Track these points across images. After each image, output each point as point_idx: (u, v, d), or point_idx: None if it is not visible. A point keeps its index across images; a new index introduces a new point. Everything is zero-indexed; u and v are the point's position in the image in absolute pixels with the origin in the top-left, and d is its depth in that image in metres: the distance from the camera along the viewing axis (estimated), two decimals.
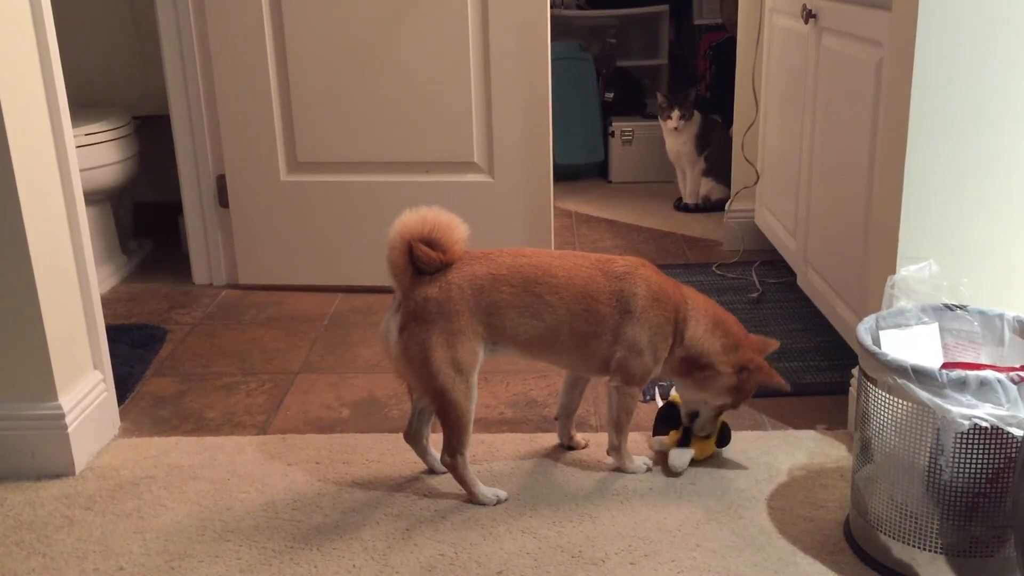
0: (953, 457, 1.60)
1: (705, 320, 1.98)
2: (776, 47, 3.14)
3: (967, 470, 1.60)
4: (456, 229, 1.89)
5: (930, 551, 1.66)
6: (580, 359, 2.00)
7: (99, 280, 2.49)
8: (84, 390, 2.17)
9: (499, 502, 1.96)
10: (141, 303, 3.18)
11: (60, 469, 2.09)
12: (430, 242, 1.87)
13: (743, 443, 2.15)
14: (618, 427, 2.04)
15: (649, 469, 2.07)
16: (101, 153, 3.19)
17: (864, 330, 1.77)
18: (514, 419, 2.33)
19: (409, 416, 2.05)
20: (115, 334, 2.66)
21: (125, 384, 2.49)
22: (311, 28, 3.02)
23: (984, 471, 1.60)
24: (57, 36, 2.08)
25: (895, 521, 1.69)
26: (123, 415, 2.37)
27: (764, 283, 3.18)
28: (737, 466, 2.08)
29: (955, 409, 1.54)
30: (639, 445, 2.17)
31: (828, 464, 2.08)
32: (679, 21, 5.19)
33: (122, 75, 3.65)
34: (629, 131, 4.61)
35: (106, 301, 3.07)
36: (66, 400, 2.09)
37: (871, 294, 2.08)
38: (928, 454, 1.63)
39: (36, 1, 2.01)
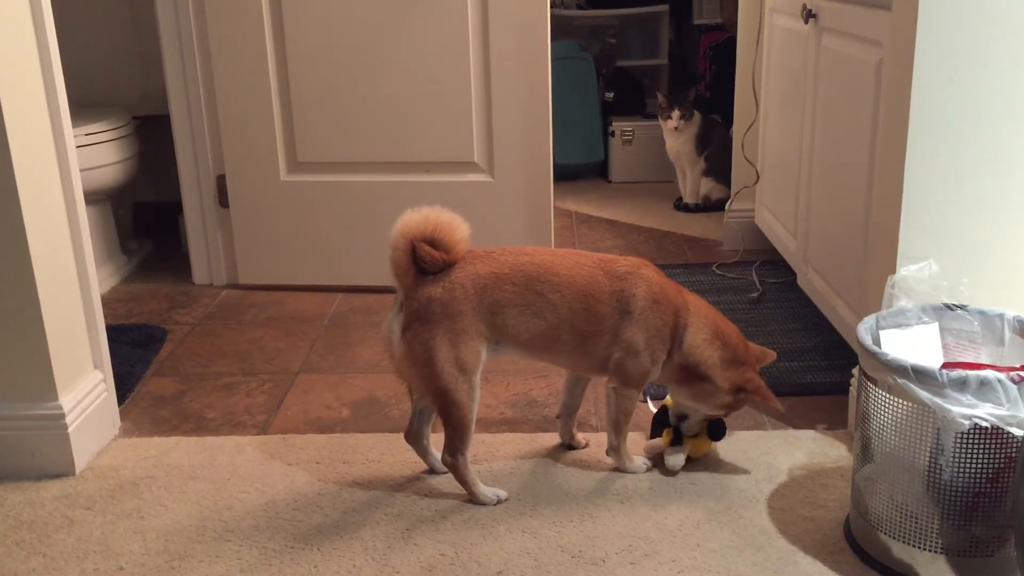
0: (953, 457, 1.60)
1: (705, 329, 1.97)
2: (776, 47, 3.14)
3: (967, 470, 1.60)
4: (458, 228, 1.89)
5: (930, 551, 1.66)
6: (580, 359, 2.00)
7: (99, 280, 2.49)
8: (84, 390, 2.17)
9: (499, 502, 1.96)
10: (141, 303, 3.18)
11: (60, 469, 2.09)
12: (433, 242, 1.87)
13: (743, 443, 2.15)
14: (617, 428, 2.04)
15: (649, 469, 2.07)
16: (101, 153, 3.19)
17: (864, 330, 1.77)
18: (514, 419, 2.33)
19: (410, 416, 2.05)
20: (115, 334, 2.66)
21: (125, 384, 2.49)
22: (311, 28, 3.02)
23: (984, 471, 1.60)
24: (57, 36, 2.08)
25: (895, 521, 1.69)
26: (123, 415, 2.37)
27: (764, 283, 3.18)
28: (737, 466, 2.08)
29: (955, 409, 1.54)
30: (638, 446, 2.16)
31: (828, 464, 2.08)
32: (679, 21, 5.19)
33: (122, 75, 3.65)
34: (629, 131, 4.61)
35: (106, 301, 3.07)
36: (66, 400, 2.09)
37: (871, 294, 2.08)
38: (928, 454, 1.63)
39: (36, 1, 2.01)
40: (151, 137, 3.49)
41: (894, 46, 1.95)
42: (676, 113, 4.06)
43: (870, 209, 2.22)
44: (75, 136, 2.22)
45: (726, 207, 3.58)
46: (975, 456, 1.59)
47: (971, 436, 1.58)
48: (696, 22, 4.99)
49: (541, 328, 1.93)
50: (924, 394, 1.57)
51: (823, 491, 1.98)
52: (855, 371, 2.09)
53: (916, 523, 1.67)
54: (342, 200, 3.16)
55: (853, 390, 2.18)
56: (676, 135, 4.12)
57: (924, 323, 1.82)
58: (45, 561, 1.81)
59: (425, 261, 1.87)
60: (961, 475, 1.61)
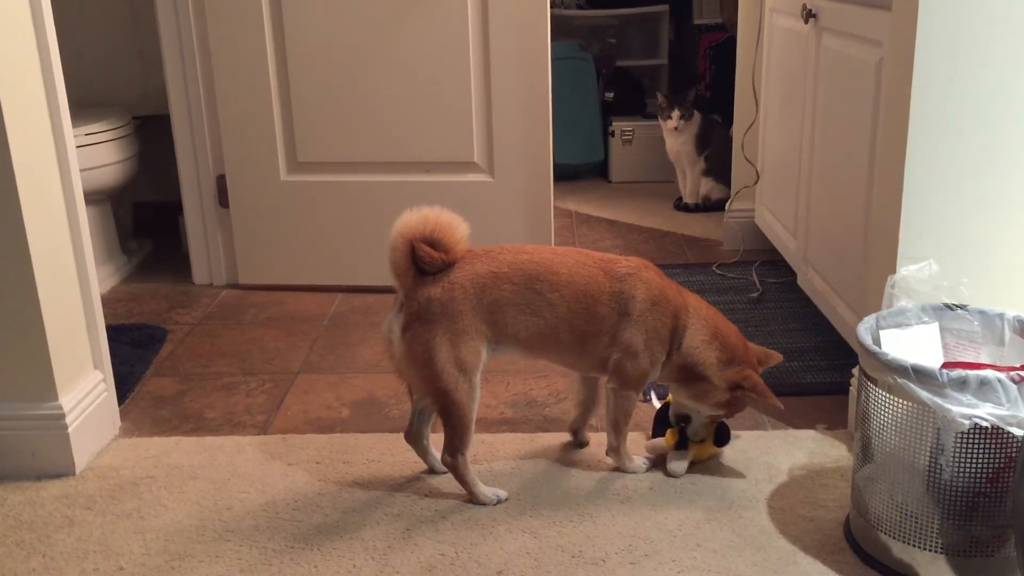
0: (953, 457, 1.60)
1: (705, 330, 1.97)
2: (776, 47, 3.14)
3: (967, 470, 1.60)
4: (458, 228, 1.89)
5: (930, 551, 1.66)
6: (579, 358, 2.00)
7: (99, 280, 2.49)
8: (84, 390, 2.17)
9: (499, 502, 1.96)
10: (141, 303, 3.18)
11: (60, 469, 2.09)
12: (432, 242, 1.87)
13: (743, 443, 2.15)
14: (616, 428, 2.04)
15: (649, 469, 2.07)
16: (101, 153, 3.19)
17: (864, 330, 1.77)
18: (514, 419, 2.33)
19: (410, 416, 2.05)
20: (115, 334, 2.66)
21: (125, 384, 2.49)
22: (311, 28, 3.02)
23: (984, 471, 1.60)
24: (57, 36, 2.07)
25: (895, 521, 1.69)
26: (123, 415, 2.37)
27: (764, 283, 3.18)
28: (737, 466, 2.08)
29: (955, 409, 1.54)
30: (639, 445, 2.16)
31: (828, 464, 2.08)
32: (679, 21, 5.18)
33: (122, 75, 3.65)
34: (629, 131, 4.61)
35: (106, 301, 3.07)
36: (66, 400, 2.09)
37: (871, 294, 2.08)
38: (928, 454, 1.63)
39: (36, 1, 2.01)
40: (151, 137, 3.49)
41: (894, 46, 1.95)
42: (676, 113, 4.06)
43: (870, 209, 2.22)
44: (75, 136, 2.22)
45: (726, 207, 3.58)
46: (975, 456, 1.59)
47: (971, 436, 1.58)
48: (696, 22, 4.99)
49: (540, 327, 1.93)
50: (924, 394, 1.57)
51: (823, 491, 1.98)
52: (855, 371, 2.09)
53: (916, 523, 1.67)
54: (342, 200, 3.16)
55: (853, 390, 2.18)
56: (676, 135, 4.12)
57: (924, 323, 1.82)
58: (45, 561, 1.81)
59: (424, 261, 1.87)
60: (961, 475, 1.61)
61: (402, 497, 1.99)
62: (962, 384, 1.55)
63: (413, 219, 1.87)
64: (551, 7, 3.02)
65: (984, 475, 1.60)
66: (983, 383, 1.54)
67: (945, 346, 1.82)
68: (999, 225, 1.93)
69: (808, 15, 2.66)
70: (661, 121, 4.16)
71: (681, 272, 3.30)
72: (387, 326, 1.93)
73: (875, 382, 1.69)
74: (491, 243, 1.98)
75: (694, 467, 2.07)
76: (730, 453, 2.12)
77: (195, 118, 3.15)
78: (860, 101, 2.30)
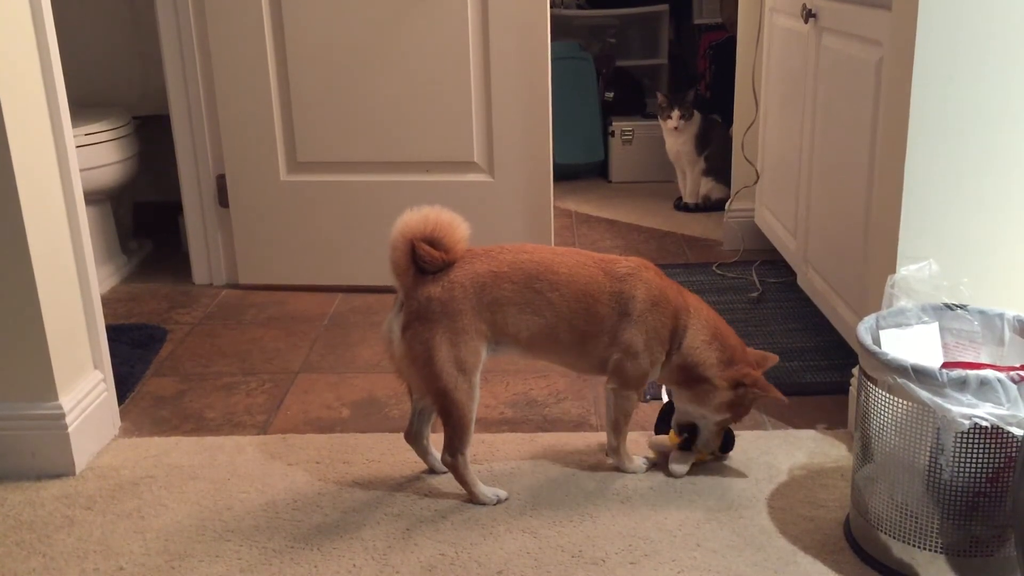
0: (953, 456, 1.60)
1: (705, 331, 1.97)
2: (776, 47, 3.14)
3: (967, 469, 1.60)
4: (458, 228, 1.89)
5: (930, 550, 1.66)
6: (579, 358, 2.00)
7: (99, 280, 2.49)
8: (84, 390, 2.17)
9: (499, 502, 1.96)
10: (141, 303, 3.18)
11: (60, 469, 2.09)
12: (432, 241, 1.87)
13: (743, 443, 2.15)
14: (616, 429, 2.03)
15: (649, 468, 2.06)
16: (101, 153, 3.19)
17: (864, 329, 1.77)
18: (514, 419, 2.33)
19: (410, 416, 2.05)
20: (115, 334, 2.66)
21: (125, 384, 2.49)
22: (311, 28, 3.02)
23: (984, 470, 1.60)
24: (57, 36, 2.08)
25: (895, 521, 1.69)
26: (123, 415, 2.37)
27: (764, 283, 3.18)
28: (737, 466, 2.08)
29: (955, 408, 1.54)
30: (640, 445, 2.16)
31: (828, 464, 2.08)
32: (679, 21, 5.19)
33: (122, 75, 3.65)
34: (629, 131, 4.61)
35: (106, 301, 3.07)
36: (66, 400, 2.09)
37: (871, 293, 2.08)
38: (928, 453, 1.63)
39: (36, 1, 2.01)
40: (151, 137, 3.49)
41: (894, 46, 1.95)
42: (676, 113, 4.06)
43: (870, 209, 2.22)
44: (75, 136, 2.23)
45: (726, 207, 3.58)
46: (975, 456, 1.59)
47: (971, 436, 1.58)
48: (696, 22, 4.99)
49: (540, 327, 1.93)
50: (924, 394, 1.57)
51: (823, 491, 1.98)
52: (855, 371, 2.09)
53: (916, 523, 1.67)
54: (342, 200, 3.16)
55: (853, 390, 2.18)
56: (676, 135, 4.12)
57: (924, 323, 1.82)
58: (45, 561, 1.81)
59: (425, 261, 1.87)
60: (961, 475, 1.61)
61: (402, 497, 1.99)
62: (962, 384, 1.55)
63: (414, 218, 1.87)
64: (551, 7, 3.02)
65: (984, 475, 1.60)
66: (983, 383, 1.54)
67: (945, 346, 1.82)
68: (999, 225, 1.93)
69: (808, 15, 2.66)
70: (661, 121, 4.16)
71: (681, 272, 3.30)
72: (387, 325, 1.93)
73: (875, 382, 1.69)
74: (491, 243, 1.98)
75: (695, 468, 2.07)
76: (730, 453, 2.12)
77: (195, 118, 3.15)
78: (860, 101, 2.30)
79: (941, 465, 1.61)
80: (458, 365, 1.88)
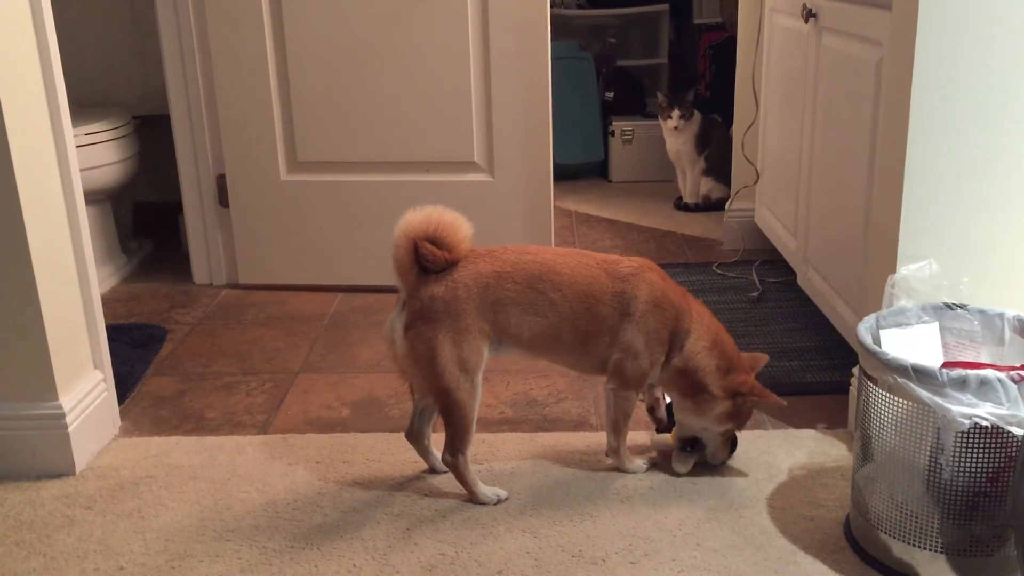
0: (953, 456, 1.60)
1: (707, 337, 1.97)
2: (776, 46, 3.14)
3: (967, 469, 1.60)
4: (461, 228, 1.90)
5: (930, 550, 1.67)
6: (581, 358, 2.00)
7: (99, 280, 2.49)
8: (84, 390, 2.17)
9: (499, 501, 1.96)
10: (141, 303, 3.18)
11: (60, 469, 2.09)
12: (435, 241, 1.87)
13: (743, 442, 2.15)
14: (616, 429, 2.04)
15: (649, 468, 2.06)
16: (101, 153, 3.19)
17: (864, 329, 1.77)
18: (514, 419, 2.33)
19: (411, 415, 2.05)
20: (115, 334, 2.66)
21: (125, 384, 2.49)
22: (311, 28, 3.02)
23: (984, 470, 1.60)
24: (57, 36, 2.08)
25: (895, 520, 1.69)
26: (123, 415, 2.37)
27: (764, 282, 3.18)
28: (737, 466, 2.08)
29: (955, 408, 1.54)
30: (642, 444, 2.16)
31: (828, 463, 2.08)
32: (679, 20, 5.18)
33: (122, 75, 3.65)
34: (629, 130, 4.61)
35: (106, 301, 3.07)
36: (66, 400, 2.09)
37: (871, 293, 2.08)
38: (928, 453, 1.63)
39: (36, 1, 2.01)
40: (151, 137, 3.49)
41: (894, 46, 1.95)
42: (676, 113, 4.06)
43: (870, 209, 2.22)
44: (75, 136, 2.22)
45: (726, 207, 3.58)
46: (975, 455, 1.59)
47: (971, 435, 1.58)
48: (696, 22, 4.99)
49: (543, 327, 1.93)
50: (924, 393, 1.57)
51: (823, 490, 1.98)
52: (855, 370, 2.09)
53: (916, 522, 1.67)
54: (342, 200, 3.16)
55: (853, 389, 2.18)
56: (676, 135, 4.12)
57: (924, 322, 1.82)
58: (45, 561, 1.81)
59: (427, 260, 1.87)
60: (961, 474, 1.61)
61: (402, 497, 1.99)
62: (962, 384, 1.55)
63: (417, 218, 1.87)
64: (551, 7, 3.02)
65: (984, 474, 1.60)
66: (983, 382, 1.54)
67: (945, 345, 1.82)
68: (999, 225, 1.93)
69: (808, 15, 2.67)
70: (661, 121, 4.16)
71: (681, 272, 3.30)
72: (389, 325, 1.93)
73: (875, 381, 1.69)
74: (491, 243, 1.98)
75: (696, 467, 2.07)
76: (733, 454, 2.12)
77: (195, 118, 3.15)
78: (860, 101, 2.30)
79: (941, 465, 1.62)
80: (460, 365, 1.88)
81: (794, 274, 3.09)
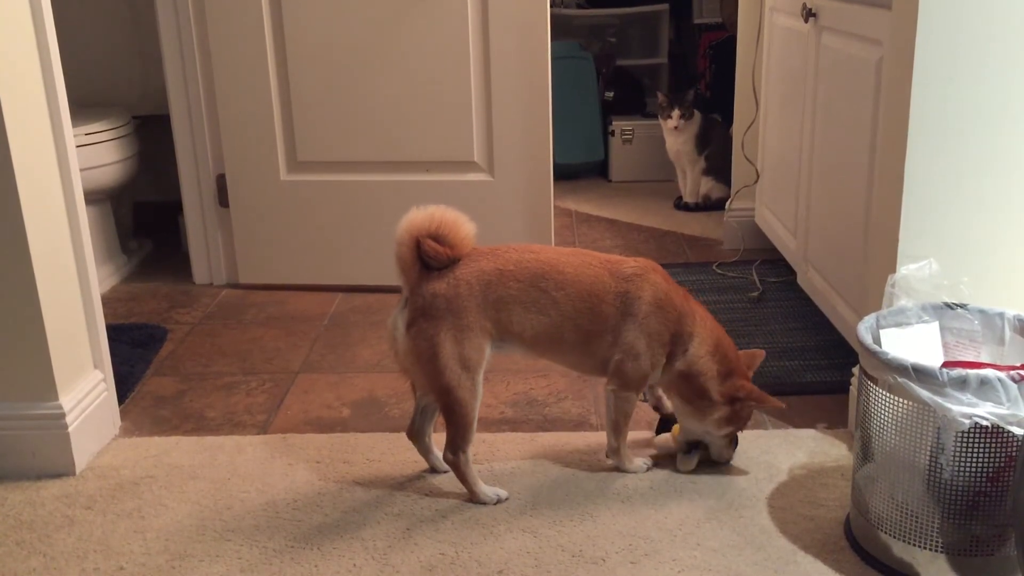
0: (954, 456, 1.60)
1: (709, 341, 1.97)
2: (776, 46, 3.14)
3: (968, 469, 1.60)
4: (463, 225, 1.90)
5: (931, 550, 1.66)
6: (582, 358, 2.00)
7: (99, 280, 2.49)
8: (84, 390, 2.17)
9: (500, 501, 1.96)
10: (141, 303, 3.18)
11: (60, 469, 2.09)
12: (438, 238, 1.88)
13: (744, 442, 2.15)
14: (616, 429, 2.04)
15: (649, 468, 2.07)
16: (101, 153, 3.19)
17: (864, 329, 1.77)
18: (515, 418, 2.33)
19: (412, 413, 2.05)
20: (115, 334, 2.66)
21: (125, 384, 2.49)
22: (311, 28, 3.02)
23: (985, 470, 1.60)
24: (57, 36, 2.08)
25: (896, 520, 1.69)
26: (123, 415, 2.37)
27: (764, 282, 3.18)
28: (737, 465, 2.08)
29: (956, 408, 1.54)
30: (644, 443, 2.16)
31: (828, 463, 2.08)
32: (679, 20, 5.18)
33: (122, 75, 3.65)
34: (629, 130, 4.61)
35: (106, 300, 3.07)
36: (66, 400, 2.09)
37: (871, 293, 2.08)
38: (929, 453, 1.63)
39: (36, 1, 2.01)
40: (151, 137, 3.49)
41: (894, 45, 1.95)
42: (676, 112, 4.06)
43: (870, 208, 2.22)
44: (75, 136, 2.22)
45: (726, 206, 3.58)
46: (975, 455, 1.59)
47: (971, 435, 1.58)
48: (696, 21, 4.99)
49: (545, 325, 1.93)
50: (924, 393, 1.57)
51: (823, 490, 1.98)
52: (855, 370, 2.09)
53: (916, 522, 1.67)
54: (342, 199, 3.16)
55: (853, 389, 2.18)
56: (676, 134, 4.12)
57: (924, 322, 1.82)
58: (45, 561, 1.81)
59: (430, 256, 1.88)
60: (961, 474, 1.61)
61: (402, 496, 1.99)
62: (962, 383, 1.55)
63: (419, 216, 1.88)
64: (551, 6, 3.02)
65: (984, 474, 1.60)
66: (983, 382, 1.54)
67: (945, 345, 1.82)
68: (999, 225, 1.93)
69: (808, 14, 2.66)
70: (661, 120, 4.16)
71: (681, 271, 3.30)
72: (392, 322, 1.93)
73: (875, 381, 1.69)
74: (491, 242, 1.98)
75: (700, 465, 2.07)
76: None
77: (195, 118, 3.15)
78: (860, 100, 2.30)
79: (941, 464, 1.62)
80: (462, 362, 1.88)
81: (794, 274, 3.09)
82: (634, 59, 5.10)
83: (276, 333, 2.89)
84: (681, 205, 4.18)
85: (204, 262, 3.32)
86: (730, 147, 3.58)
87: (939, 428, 1.59)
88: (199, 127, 3.16)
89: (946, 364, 1.64)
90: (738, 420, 2.00)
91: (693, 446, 2.06)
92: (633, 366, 1.95)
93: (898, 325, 1.80)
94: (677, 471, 2.06)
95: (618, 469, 2.07)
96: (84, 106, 3.33)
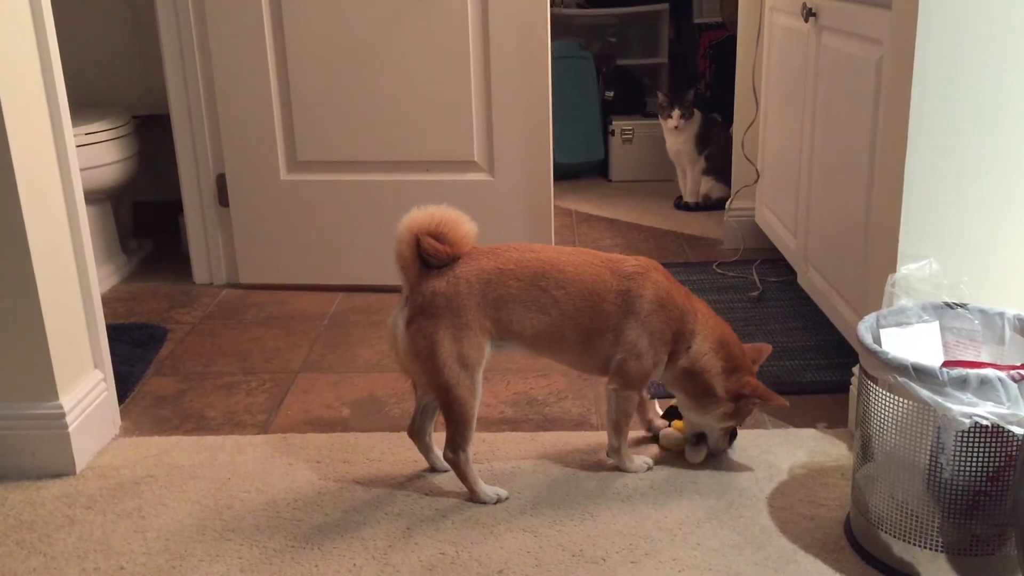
0: (954, 455, 1.60)
1: (712, 338, 1.98)
2: (776, 46, 3.14)
3: (968, 468, 1.60)
4: (463, 224, 1.91)
5: (931, 549, 1.67)
6: (583, 357, 2.00)
7: (99, 279, 2.49)
8: (85, 389, 2.17)
9: (500, 501, 1.96)
10: (141, 302, 3.18)
11: (61, 468, 2.09)
12: (438, 236, 1.88)
13: (744, 441, 2.15)
14: (617, 429, 2.04)
15: (649, 468, 2.07)
16: (101, 152, 3.19)
17: (865, 328, 1.77)
18: (515, 418, 2.33)
19: (413, 412, 2.05)
20: (115, 333, 2.66)
21: (126, 383, 2.49)
22: (311, 28, 3.02)
23: (985, 469, 1.60)
24: (57, 36, 2.07)
25: (896, 519, 1.69)
26: (124, 414, 2.37)
27: (764, 282, 3.18)
28: (738, 465, 2.08)
29: (956, 407, 1.54)
30: (644, 443, 2.17)
31: (829, 462, 2.08)
32: (679, 19, 5.18)
33: (122, 75, 3.65)
34: (629, 130, 4.61)
35: (106, 300, 3.07)
36: (67, 399, 2.09)
37: (871, 292, 2.08)
38: (929, 452, 1.63)
39: (36, 1, 2.01)
40: (151, 137, 3.49)
41: (894, 45, 1.95)
42: (676, 112, 4.06)
43: (870, 208, 2.22)
44: (75, 136, 2.22)
45: (726, 206, 3.58)
46: (975, 454, 1.59)
47: (971, 434, 1.58)
48: (696, 21, 4.99)
49: (545, 325, 1.93)
50: (925, 393, 1.57)
51: (823, 490, 1.98)
52: (855, 370, 2.09)
53: (917, 522, 1.67)
54: (342, 199, 3.16)
55: (853, 389, 2.18)
56: (676, 134, 4.12)
57: (924, 322, 1.82)
58: (45, 560, 1.81)
59: (429, 254, 1.88)
60: (962, 473, 1.61)
61: (403, 496, 1.99)
62: (962, 383, 1.55)
63: (420, 215, 1.89)
64: (551, 6, 3.02)
65: (984, 474, 1.60)
66: (983, 382, 1.54)
67: (945, 345, 1.82)
68: (999, 224, 1.93)
69: (808, 14, 2.66)
70: (661, 120, 4.16)
71: (681, 271, 3.30)
72: (392, 320, 1.94)
73: (875, 381, 1.69)
74: (491, 242, 1.99)
75: (705, 462, 2.08)
76: (731, 452, 2.12)
77: (195, 118, 3.15)
78: (860, 100, 2.30)
79: (941, 464, 1.62)
80: (460, 361, 1.88)
81: (794, 273, 3.09)
82: (634, 59, 5.10)
83: (276, 333, 2.89)
84: (681, 205, 4.18)
85: (204, 262, 3.32)
86: (730, 147, 3.58)
87: (939, 428, 1.59)
88: (199, 127, 3.16)
89: (946, 364, 1.64)
90: (741, 415, 2.02)
91: (701, 437, 2.07)
92: (635, 365, 1.95)
93: (898, 325, 1.81)
94: (686, 463, 2.07)
95: (618, 468, 2.07)
96: (84, 106, 3.33)
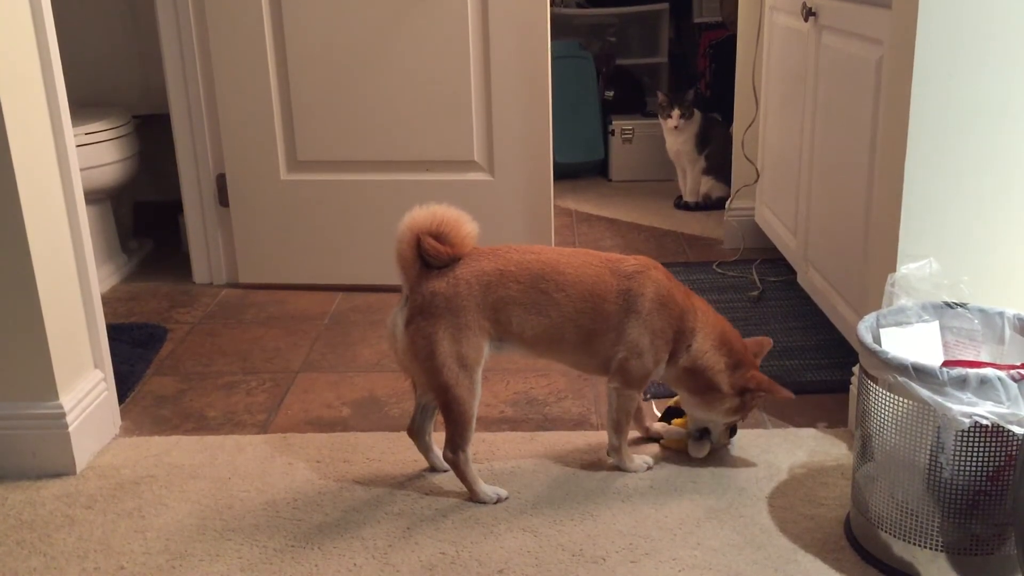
0: (954, 455, 1.60)
1: (713, 335, 1.98)
2: (776, 45, 3.14)
3: (968, 468, 1.60)
4: (464, 224, 1.91)
5: (931, 549, 1.67)
6: (584, 357, 2.00)
7: (99, 279, 2.49)
8: (85, 389, 2.17)
9: (500, 500, 1.96)
10: (141, 302, 3.18)
11: (61, 468, 2.09)
12: (438, 236, 1.88)
13: (744, 441, 2.15)
14: (617, 428, 2.04)
15: (649, 467, 2.07)
16: (101, 152, 3.19)
17: (864, 328, 1.77)
18: (515, 418, 2.33)
19: (413, 411, 2.05)
20: (116, 333, 2.66)
21: (126, 383, 2.49)
22: (311, 28, 3.02)
23: (985, 469, 1.60)
24: (57, 36, 2.08)
25: (896, 519, 1.69)
26: (124, 414, 2.37)
27: (764, 281, 3.18)
28: (738, 464, 2.08)
29: (956, 407, 1.54)
30: (644, 443, 2.16)
31: (829, 462, 2.08)
32: (679, 19, 5.18)
33: (122, 75, 3.65)
34: (629, 129, 4.61)
35: (106, 300, 3.07)
36: (67, 399, 2.09)
37: (871, 292, 2.08)
38: (929, 452, 1.63)
39: (36, 1, 2.01)
40: (151, 136, 3.49)
41: (894, 44, 1.95)
42: (676, 112, 4.06)
43: (870, 207, 2.22)
44: (75, 135, 2.22)
45: (726, 205, 3.58)
46: (975, 454, 1.59)
47: (971, 434, 1.58)
48: (696, 20, 4.99)
49: (545, 326, 1.93)
50: (924, 392, 1.57)
51: (823, 489, 1.98)
52: (855, 369, 2.09)
53: (916, 521, 1.67)
54: (342, 199, 3.16)
55: (853, 388, 2.18)
56: (676, 134, 4.12)
57: (924, 321, 1.82)
58: (46, 560, 1.81)
59: (430, 254, 1.88)
60: (961, 473, 1.61)
61: (403, 496, 1.99)
62: (962, 382, 1.55)
63: (421, 214, 1.89)
64: (551, 6, 3.02)
65: (984, 473, 1.60)
66: (983, 381, 1.54)
67: (945, 344, 1.82)
68: (999, 224, 1.93)
69: (808, 13, 2.66)
70: (661, 120, 4.16)
71: (681, 270, 3.30)
72: (392, 320, 1.94)
73: (875, 380, 1.69)
74: (491, 242, 1.99)
75: (695, 463, 2.08)
76: (731, 451, 2.12)
77: (195, 118, 3.15)
78: (860, 99, 2.30)
79: (941, 463, 1.62)
80: (459, 361, 1.88)
81: (794, 273, 3.09)
82: (634, 58, 5.10)
83: (276, 333, 2.89)
84: (681, 204, 4.18)
85: (204, 262, 3.32)
86: (730, 146, 3.58)
87: (939, 427, 1.59)
88: (199, 127, 3.16)
89: (946, 363, 1.64)
90: (745, 409, 2.02)
91: (704, 432, 2.07)
92: (636, 364, 1.95)
93: (898, 324, 1.81)
94: (686, 462, 2.07)
95: (618, 468, 2.07)
96: (84, 106, 3.33)
